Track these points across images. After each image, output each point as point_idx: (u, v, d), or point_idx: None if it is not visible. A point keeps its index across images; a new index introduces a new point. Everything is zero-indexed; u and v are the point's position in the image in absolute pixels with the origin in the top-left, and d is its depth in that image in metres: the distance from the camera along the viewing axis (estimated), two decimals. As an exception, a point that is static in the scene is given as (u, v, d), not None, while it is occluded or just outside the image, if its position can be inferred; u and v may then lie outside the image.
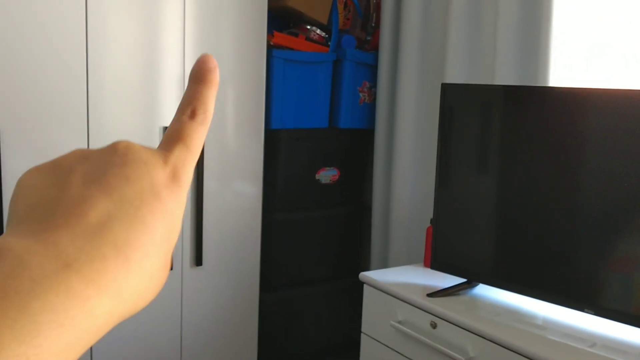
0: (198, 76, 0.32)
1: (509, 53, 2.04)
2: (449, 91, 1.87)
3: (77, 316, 0.23)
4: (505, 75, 2.05)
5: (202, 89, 0.32)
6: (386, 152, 2.60)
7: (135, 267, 0.26)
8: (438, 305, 1.75)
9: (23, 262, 0.23)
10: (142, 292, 0.27)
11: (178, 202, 0.29)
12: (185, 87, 0.33)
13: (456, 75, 2.22)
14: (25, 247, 0.24)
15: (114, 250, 0.25)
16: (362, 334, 2.01)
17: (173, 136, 0.30)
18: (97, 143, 1.93)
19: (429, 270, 2.03)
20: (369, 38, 2.63)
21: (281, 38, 2.39)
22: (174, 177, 0.29)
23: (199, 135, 0.31)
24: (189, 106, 0.31)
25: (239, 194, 2.29)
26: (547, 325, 1.64)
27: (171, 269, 1.97)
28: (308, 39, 2.48)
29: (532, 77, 2.00)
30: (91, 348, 2.01)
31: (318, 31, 2.51)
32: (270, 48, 2.32)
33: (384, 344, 1.92)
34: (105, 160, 0.28)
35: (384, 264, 2.62)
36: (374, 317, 1.96)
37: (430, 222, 2.04)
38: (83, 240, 0.25)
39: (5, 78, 1.77)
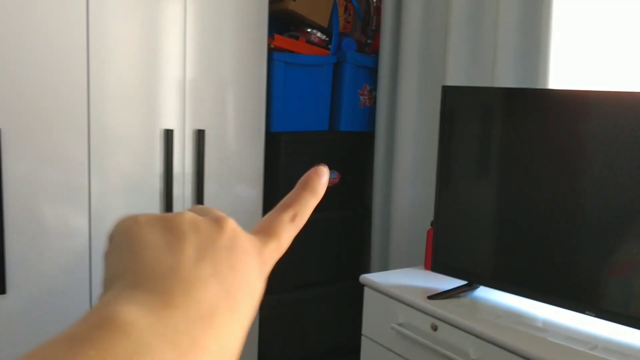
0: (309, 185, 0.35)
1: (509, 56, 2.04)
2: (449, 94, 1.87)
3: None
4: (505, 78, 2.05)
5: (308, 198, 0.35)
6: (386, 155, 2.60)
7: (227, 356, 0.27)
8: (439, 307, 1.75)
9: (146, 344, 0.23)
10: None
11: (260, 291, 0.31)
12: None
13: (456, 78, 2.22)
14: (148, 325, 0.24)
15: (218, 347, 0.26)
16: (362, 337, 2.01)
17: (271, 230, 0.33)
18: (98, 145, 1.93)
19: (429, 272, 2.03)
20: (369, 41, 2.64)
21: (282, 41, 2.40)
22: (263, 269, 0.31)
23: (291, 237, 0.33)
24: (292, 209, 0.34)
25: (239, 197, 2.29)
26: (548, 328, 1.64)
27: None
28: (308, 41, 2.48)
29: (532, 80, 2.00)
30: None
31: (318, 34, 2.51)
32: (270, 51, 2.32)
33: (385, 347, 1.92)
34: (214, 239, 0.29)
35: (385, 267, 2.62)
36: (375, 320, 1.96)
37: (431, 225, 2.04)
38: (196, 330, 0.25)
39: (7, 80, 1.77)
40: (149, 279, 0.27)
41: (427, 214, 2.41)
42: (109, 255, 0.30)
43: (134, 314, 0.24)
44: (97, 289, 1.99)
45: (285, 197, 0.35)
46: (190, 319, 0.26)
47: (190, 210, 0.32)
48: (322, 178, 0.35)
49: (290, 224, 0.33)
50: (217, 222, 0.30)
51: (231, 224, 0.31)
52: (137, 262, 0.28)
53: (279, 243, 0.32)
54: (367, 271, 2.67)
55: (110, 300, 0.25)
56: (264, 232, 0.32)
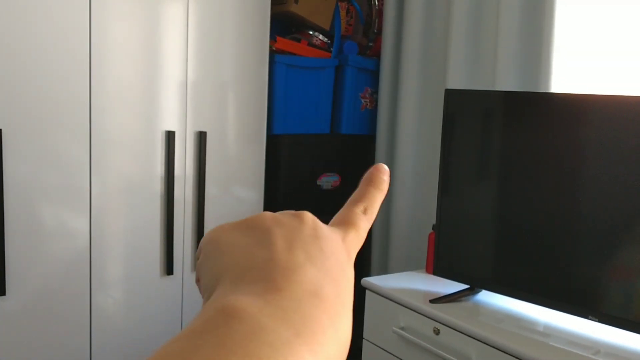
0: (374, 181, 0.37)
1: (510, 59, 2.04)
2: (452, 97, 1.86)
3: None
4: (506, 82, 2.05)
5: (375, 193, 0.36)
6: (387, 158, 2.59)
7: (341, 336, 0.27)
8: (441, 311, 1.74)
9: (261, 324, 0.24)
10: None
11: (352, 276, 0.31)
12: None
13: (457, 81, 2.22)
14: (259, 309, 0.25)
15: (329, 322, 0.26)
16: (364, 340, 2.00)
17: (348, 222, 0.34)
18: (99, 147, 1.92)
19: (431, 276, 2.02)
20: (370, 44, 2.64)
21: (283, 43, 2.39)
22: (349, 255, 0.32)
23: (366, 229, 0.35)
24: (362, 203, 0.35)
25: (240, 200, 2.28)
26: (551, 332, 1.64)
27: (173, 274, 1.94)
28: (310, 44, 2.48)
29: (533, 83, 2.00)
30: (90, 351, 2.00)
31: (320, 37, 2.51)
32: (272, 53, 2.32)
33: (386, 351, 1.91)
34: (299, 229, 0.30)
35: (384, 270, 2.62)
36: (376, 323, 1.95)
37: (433, 228, 2.03)
38: (306, 308, 0.26)
39: (8, 81, 1.76)
40: (248, 271, 0.28)
41: (427, 218, 2.40)
42: (202, 265, 0.31)
43: (243, 301, 0.25)
44: (98, 290, 1.98)
45: (353, 195, 0.36)
46: (297, 298, 0.26)
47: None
48: (384, 174, 0.37)
49: (364, 216, 0.35)
50: (297, 215, 0.32)
51: (310, 216, 0.32)
52: (233, 261, 0.29)
53: (357, 232, 0.33)
54: (367, 274, 2.67)
55: (217, 296, 0.27)
56: (342, 223, 0.33)
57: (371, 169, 0.37)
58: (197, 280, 0.33)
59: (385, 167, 0.37)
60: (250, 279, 0.27)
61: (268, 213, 0.32)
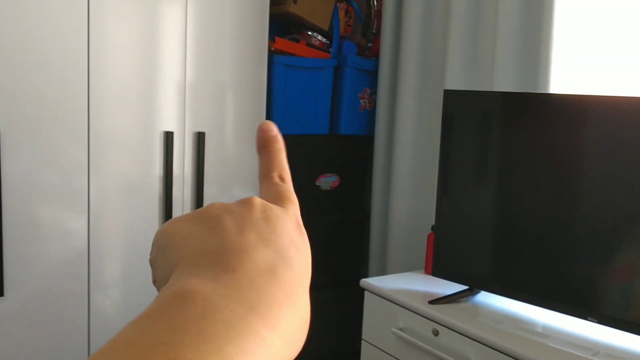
0: (267, 146, 0.36)
1: (508, 60, 2.04)
2: (451, 98, 1.86)
3: None
4: (504, 83, 2.04)
5: (276, 156, 0.36)
6: (385, 158, 2.59)
7: (299, 312, 0.27)
8: (440, 312, 1.74)
9: (213, 303, 0.24)
10: (299, 338, 0.28)
11: (307, 247, 0.32)
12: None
13: (456, 82, 2.22)
14: (211, 289, 0.25)
15: (287, 298, 0.27)
16: (362, 341, 2.00)
17: (280, 197, 0.34)
18: (98, 148, 1.92)
19: (430, 277, 2.02)
20: (369, 44, 2.63)
21: (282, 44, 2.39)
22: (299, 227, 0.33)
23: (293, 193, 0.35)
24: (274, 172, 0.36)
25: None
26: (550, 333, 1.63)
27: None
28: (309, 44, 2.48)
29: (532, 84, 2.00)
30: (89, 352, 1.99)
31: (319, 37, 2.50)
32: (271, 53, 2.31)
33: (385, 352, 1.91)
34: (249, 214, 0.31)
35: (382, 271, 2.61)
36: (375, 324, 1.95)
37: (432, 229, 2.03)
38: (260, 285, 0.26)
39: (6, 81, 1.76)
40: (201, 257, 0.28)
41: (426, 219, 2.40)
42: (155, 260, 0.31)
43: (195, 283, 0.25)
44: (96, 291, 1.98)
45: (259, 169, 0.36)
46: (251, 276, 0.26)
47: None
48: (271, 130, 0.36)
49: (285, 184, 0.35)
50: (246, 202, 0.32)
51: (258, 200, 0.32)
52: (186, 250, 0.29)
53: (291, 202, 0.34)
54: (365, 275, 2.66)
55: (170, 283, 0.27)
56: (276, 201, 0.33)
57: (258, 133, 0.37)
58: (154, 281, 0.33)
59: (268, 122, 0.37)
60: (203, 264, 0.27)
61: (218, 203, 0.32)
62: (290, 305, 0.26)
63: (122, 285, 2.04)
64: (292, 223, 0.32)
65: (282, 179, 0.35)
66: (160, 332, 0.22)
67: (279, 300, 0.26)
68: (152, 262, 0.32)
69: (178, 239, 0.30)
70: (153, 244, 0.32)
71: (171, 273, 0.28)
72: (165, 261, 0.29)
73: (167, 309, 0.24)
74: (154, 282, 0.33)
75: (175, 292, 0.25)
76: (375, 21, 2.62)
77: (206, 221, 0.30)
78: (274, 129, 0.37)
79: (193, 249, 0.28)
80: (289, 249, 0.29)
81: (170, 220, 0.32)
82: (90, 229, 1.94)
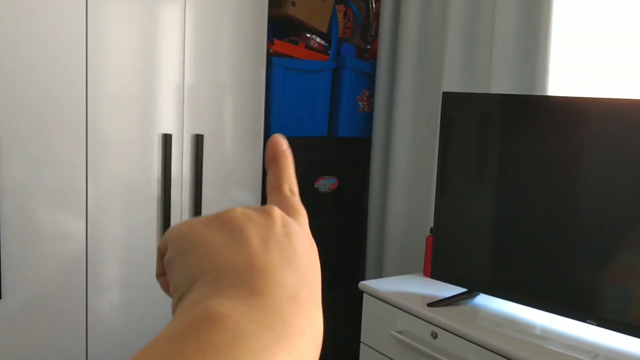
0: (277, 158, 0.37)
1: (506, 62, 2.04)
2: (449, 100, 1.86)
3: None
4: (502, 86, 2.04)
5: (286, 168, 0.37)
6: (383, 161, 2.59)
7: (316, 336, 0.28)
8: (439, 315, 1.73)
9: (243, 330, 0.25)
10: (315, 357, 0.28)
11: (318, 261, 0.33)
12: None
13: (453, 84, 2.22)
14: (241, 313, 0.25)
15: (308, 325, 0.27)
16: (361, 344, 1.99)
17: (291, 209, 0.35)
18: (96, 150, 1.91)
19: (429, 279, 2.02)
20: (368, 47, 2.63)
21: (281, 46, 2.39)
22: (312, 244, 0.33)
23: (301, 205, 0.36)
24: (284, 184, 0.36)
25: (237, 203, 2.27)
26: (549, 336, 1.63)
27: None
28: (308, 47, 2.48)
29: (529, 87, 2.00)
30: (87, 354, 1.99)
31: (318, 39, 2.50)
32: (270, 56, 2.31)
33: (384, 354, 1.90)
34: (271, 228, 0.31)
35: (379, 274, 2.61)
36: (374, 327, 1.95)
37: (430, 232, 2.03)
38: (286, 312, 0.27)
39: (4, 84, 1.75)
40: (228, 274, 0.28)
41: (424, 221, 2.40)
42: (172, 262, 0.31)
43: (226, 305, 0.26)
44: (94, 293, 1.97)
45: (268, 181, 0.37)
46: (278, 302, 0.27)
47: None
48: (282, 145, 0.37)
49: (294, 196, 0.36)
50: (266, 211, 0.32)
51: (277, 210, 0.32)
52: (211, 262, 0.29)
53: (303, 215, 0.35)
54: (363, 278, 2.66)
55: (198, 298, 0.27)
56: (288, 213, 0.34)
57: (268, 146, 0.38)
58: (159, 275, 0.33)
59: (278, 136, 0.38)
60: (230, 282, 0.27)
61: (239, 208, 0.32)
62: (310, 334, 0.27)
63: (121, 287, 2.04)
64: (308, 239, 0.33)
65: (292, 192, 0.36)
66: (191, 355, 0.23)
67: (302, 330, 0.27)
68: (168, 263, 0.31)
69: (201, 248, 0.30)
70: (169, 242, 0.32)
71: (192, 284, 0.28)
72: (185, 268, 0.30)
73: (197, 330, 0.24)
74: (159, 275, 0.33)
75: (205, 313, 0.25)
76: (374, 23, 2.62)
77: (229, 231, 0.30)
78: (284, 144, 0.38)
79: (218, 263, 0.29)
80: (307, 272, 0.30)
81: (188, 222, 0.32)
82: (89, 231, 1.94)
